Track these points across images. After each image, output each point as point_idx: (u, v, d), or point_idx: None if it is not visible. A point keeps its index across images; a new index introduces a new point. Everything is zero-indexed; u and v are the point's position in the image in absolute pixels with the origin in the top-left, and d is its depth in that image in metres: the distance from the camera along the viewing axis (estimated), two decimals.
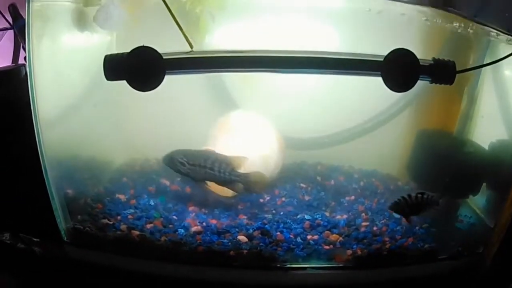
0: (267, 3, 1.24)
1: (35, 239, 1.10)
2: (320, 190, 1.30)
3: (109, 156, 1.38)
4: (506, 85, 1.25)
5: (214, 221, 1.11)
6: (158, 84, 0.91)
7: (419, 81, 0.94)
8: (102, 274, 1.04)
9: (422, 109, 1.38)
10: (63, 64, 1.15)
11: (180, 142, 1.24)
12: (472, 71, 1.26)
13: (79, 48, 1.20)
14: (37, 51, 1.03)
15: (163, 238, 1.05)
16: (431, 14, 1.19)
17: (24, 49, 1.07)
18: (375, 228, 1.12)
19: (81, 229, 1.08)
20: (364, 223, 1.13)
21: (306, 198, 1.26)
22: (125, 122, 1.37)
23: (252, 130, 1.27)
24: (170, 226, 1.09)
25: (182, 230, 1.07)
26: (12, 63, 1.43)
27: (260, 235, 1.06)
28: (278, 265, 1.03)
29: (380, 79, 0.91)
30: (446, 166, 1.23)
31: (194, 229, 1.07)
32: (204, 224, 1.09)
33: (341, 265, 1.05)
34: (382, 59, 0.93)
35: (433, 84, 0.96)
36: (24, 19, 1.02)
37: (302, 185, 1.33)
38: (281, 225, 1.10)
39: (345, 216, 1.15)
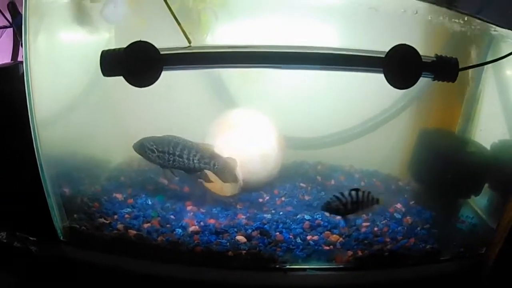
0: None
1: (31, 238, 1.09)
2: (320, 190, 1.28)
3: (107, 155, 1.36)
4: (509, 84, 1.25)
5: (212, 221, 1.09)
6: (155, 80, 0.89)
7: (421, 79, 0.93)
8: (99, 273, 1.02)
9: (424, 109, 1.37)
10: (61, 61, 1.14)
11: None
12: (474, 70, 1.26)
13: (77, 44, 1.19)
14: (33, 48, 1.01)
15: (160, 238, 1.04)
16: (433, 11, 1.19)
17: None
18: (376, 229, 1.10)
19: (77, 228, 1.06)
20: (364, 224, 1.11)
21: (306, 198, 1.24)
22: (123, 120, 1.35)
23: (252, 128, 1.25)
24: (168, 225, 1.07)
25: (180, 230, 1.05)
26: (11, 60, 1.42)
27: (259, 235, 1.05)
28: (277, 266, 1.01)
29: (381, 77, 0.90)
30: (447, 166, 1.22)
31: (192, 229, 1.06)
32: (202, 224, 1.07)
33: (341, 266, 1.03)
34: (383, 55, 0.93)
35: (436, 81, 0.95)
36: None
37: (302, 184, 1.31)
38: (281, 225, 1.08)
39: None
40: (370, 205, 1.01)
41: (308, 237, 1.06)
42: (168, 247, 1.03)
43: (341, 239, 1.06)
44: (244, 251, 1.01)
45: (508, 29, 1.14)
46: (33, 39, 1.01)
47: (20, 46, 1.38)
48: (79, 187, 1.17)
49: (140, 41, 0.88)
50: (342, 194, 1.00)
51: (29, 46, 1.00)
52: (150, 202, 1.15)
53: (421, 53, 0.92)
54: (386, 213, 1.16)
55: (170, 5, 1.09)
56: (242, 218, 1.11)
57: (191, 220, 1.09)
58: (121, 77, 0.87)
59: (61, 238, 1.07)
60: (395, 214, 1.17)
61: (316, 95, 1.29)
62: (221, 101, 1.34)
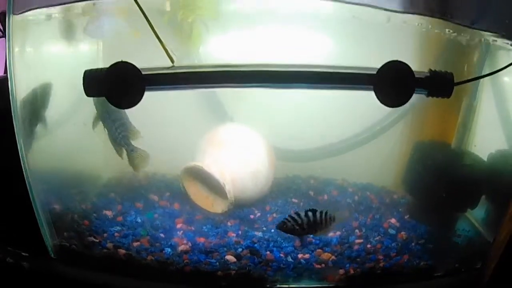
0: (261, 12, 1.20)
1: (24, 254, 1.09)
2: (313, 206, 1.19)
3: (96, 170, 1.34)
4: (506, 94, 1.21)
5: (202, 240, 1.07)
6: (138, 101, 0.87)
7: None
8: None
9: (419, 120, 1.33)
10: (47, 76, 1.13)
11: (169, 155, 1.22)
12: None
13: (62, 60, 1.17)
14: (19, 64, 1.00)
15: (149, 257, 1.02)
16: (426, 21, 1.15)
17: None
18: (369, 246, 1.08)
19: (67, 247, 1.06)
20: (357, 241, 1.09)
21: None
22: None
23: (243, 144, 1.23)
24: (157, 244, 1.06)
25: (169, 249, 1.04)
26: (4, 70, 1.41)
27: (249, 254, 1.03)
28: (268, 286, 1.00)
29: None
30: (443, 179, 1.19)
31: (181, 248, 1.04)
32: (191, 243, 1.06)
33: (333, 285, 1.01)
34: (374, 72, 0.90)
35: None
36: None
37: (294, 200, 1.28)
38: (271, 243, 1.06)
39: (338, 233, 1.11)
40: (328, 225, 1.01)
41: (299, 256, 1.04)
42: (158, 266, 1.01)
43: (333, 257, 1.04)
44: (234, 271, 0.99)
45: (505, 38, 1.11)
46: (18, 54, 1.00)
47: None
48: (69, 204, 1.16)
49: (121, 61, 0.86)
50: (298, 214, 1.00)
51: (14, 62, 0.99)
52: (139, 220, 1.13)
53: (414, 65, 0.90)
54: (380, 229, 1.14)
55: (160, 17, 1.08)
56: (232, 236, 1.09)
57: (181, 239, 1.07)
58: None
59: (52, 255, 1.07)
60: (389, 230, 1.14)
61: (309, 107, 1.26)
62: (212, 115, 1.32)
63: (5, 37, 1.33)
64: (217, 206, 1.19)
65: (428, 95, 0.93)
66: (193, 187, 1.23)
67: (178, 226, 1.13)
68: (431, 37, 1.22)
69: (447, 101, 1.04)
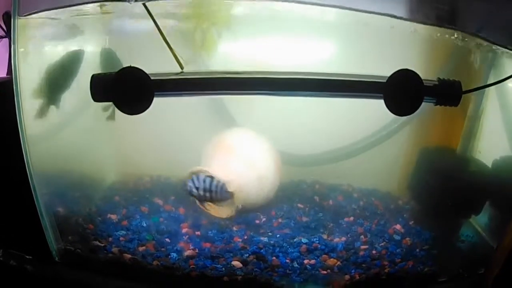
0: (267, 18, 1.20)
1: (27, 257, 1.08)
2: (318, 211, 1.26)
3: (101, 174, 1.34)
4: (511, 100, 1.22)
5: (208, 245, 1.07)
6: (147, 107, 0.87)
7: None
8: None
9: (424, 126, 1.33)
10: (52, 79, 1.12)
11: (175, 159, 1.22)
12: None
13: (68, 62, 1.16)
14: (24, 66, 0.99)
15: (155, 262, 1.02)
16: (433, 28, 1.15)
17: None
18: (374, 252, 1.08)
19: (72, 250, 1.05)
20: (363, 246, 1.09)
21: (304, 219, 1.22)
22: (118, 138, 1.33)
23: (249, 149, 1.22)
24: (163, 249, 1.05)
25: (175, 254, 1.03)
26: (7, 71, 1.40)
27: (255, 260, 1.03)
28: None
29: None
30: (448, 185, 1.19)
31: (187, 253, 1.04)
32: (197, 248, 1.05)
33: None
34: (384, 80, 0.90)
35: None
36: None
37: (299, 205, 1.28)
38: (277, 249, 1.06)
39: (343, 239, 1.11)
40: (220, 197, 1.10)
41: (305, 261, 1.04)
42: (164, 271, 1.01)
43: (338, 263, 1.04)
44: (240, 276, 0.99)
45: (509, 49, 1.11)
46: (23, 57, 0.99)
47: None
48: (73, 208, 1.15)
49: (130, 66, 0.86)
50: (197, 178, 1.10)
51: (19, 65, 0.98)
52: (145, 224, 1.13)
53: (421, 73, 0.90)
54: (385, 235, 1.14)
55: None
56: (238, 241, 1.09)
57: (187, 244, 1.07)
58: None
59: (56, 259, 1.06)
60: (394, 236, 1.14)
61: (315, 112, 1.25)
62: (217, 119, 1.31)
63: (8, 37, 1.33)
64: (222, 211, 1.18)
65: (436, 103, 0.93)
66: None
67: (184, 230, 1.13)
68: (437, 45, 1.22)
69: (452, 108, 1.04)
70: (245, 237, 1.11)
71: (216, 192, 1.11)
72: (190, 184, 1.12)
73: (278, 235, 1.12)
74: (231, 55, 1.19)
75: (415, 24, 1.11)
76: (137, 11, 1.01)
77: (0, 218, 1.06)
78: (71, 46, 1.18)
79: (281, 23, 1.15)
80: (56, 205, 1.09)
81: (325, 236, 1.12)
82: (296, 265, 1.03)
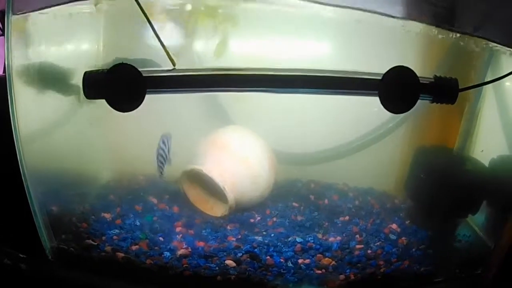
0: (263, 15, 1.19)
1: (21, 255, 1.08)
2: (313, 210, 1.25)
3: (96, 172, 1.33)
4: (508, 99, 1.20)
5: (201, 244, 1.06)
6: (139, 104, 0.86)
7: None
8: None
9: (421, 125, 1.32)
10: (45, 77, 1.12)
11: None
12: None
13: (62, 60, 1.15)
14: (17, 63, 0.99)
15: (148, 261, 1.01)
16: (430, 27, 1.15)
17: None
18: (369, 251, 1.07)
19: (65, 249, 1.04)
20: (358, 246, 1.08)
21: (299, 218, 1.21)
22: (112, 136, 1.32)
23: (243, 146, 1.21)
24: (156, 248, 1.04)
25: (168, 253, 1.02)
26: (3, 68, 1.40)
27: (249, 259, 1.02)
28: None
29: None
30: (445, 184, 1.18)
31: (180, 252, 1.03)
32: (191, 247, 1.04)
33: None
34: (379, 77, 0.89)
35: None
36: None
37: (294, 204, 1.27)
38: (271, 248, 1.05)
39: (338, 238, 1.11)
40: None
41: (300, 261, 1.03)
42: (157, 270, 1.00)
43: (333, 262, 1.03)
44: (233, 276, 0.98)
45: (506, 46, 1.10)
46: (17, 54, 0.99)
47: None
48: (67, 206, 1.14)
49: (122, 63, 0.85)
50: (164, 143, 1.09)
51: (12, 62, 0.98)
52: (138, 223, 1.12)
53: (417, 71, 0.89)
54: (381, 234, 1.13)
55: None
56: (232, 240, 1.08)
57: (180, 242, 1.06)
58: None
59: (50, 257, 1.06)
60: (390, 235, 1.13)
61: (310, 110, 1.24)
62: (213, 117, 1.30)
63: (4, 35, 1.33)
64: (217, 210, 1.17)
65: (432, 101, 0.92)
66: (193, 190, 1.22)
67: (177, 229, 1.12)
68: (435, 43, 1.22)
69: (449, 106, 1.03)
70: (239, 236, 1.10)
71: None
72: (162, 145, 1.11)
73: (272, 234, 1.11)
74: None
75: (412, 22, 1.12)
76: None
77: None
78: (66, 43, 1.19)
79: (276, 21, 1.15)
80: (50, 204, 1.08)
81: (320, 236, 1.11)
82: (290, 265, 1.01)
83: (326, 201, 1.31)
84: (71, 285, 1.03)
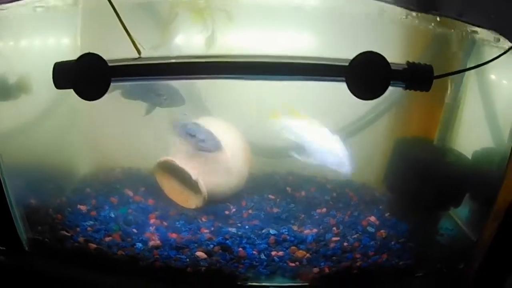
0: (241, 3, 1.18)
1: (0, 248, 1.08)
2: (289, 202, 1.23)
3: (73, 165, 1.33)
4: (492, 90, 1.17)
5: (174, 235, 1.05)
6: (104, 92, 0.86)
7: (394, 87, 0.88)
8: (63, 285, 1.00)
9: (401, 115, 1.30)
10: (22, 70, 1.12)
11: (144, 149, 1.21)
12: (454, 75, 1.20)
13: (37, 54, 1.15)
14: None
15: (120, 252, 1.01)
16: (410, 13, 1.13)
17: None
18: (345, 244, 1.04)
19: (40, 240, 1.05)
20: (334, 238, 1.06)
21: (275, 210, 1.19)
22: (89, 130, 1.32)
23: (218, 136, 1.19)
24: (129, 239, 1.04)
25: (140, 244, 1.02)
26: None
27: (220, 250, 1.00)
28: (239, 283, 0.97)
29: None
30: (426, 176, 1.16)
31: (152, 243, 1.02)
32: (163, 238, 1.04)
33: (306, 284, 0.99)
34: (347, 64, 0.88)
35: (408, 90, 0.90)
36: None
37: (271, 196, 1.25)
38: (244, 240, 1.03)
39: (314, 231, 1.08)
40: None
41: (273, 253, 1.01)
42: (128, 261, 1.00)
43: (307, 255, 1.01)
44: (204, 268, 0.97)
45: (491, 29, 1.08)
46: None
47: None
48: (44, 199, 1.14)
49: (89, 53, 0.85)
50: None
51: None
52: (113, 215, 1.11)
53: (398, 59, 0.87)
54: (358, 227, 1.11)
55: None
56: (205, 232, 1.07)
57: (152, 234, 1.05)
58: None
59: (27, 249, 1.06)
60: (368, 228, 1.11)
61: (287, 100, 1.22)
62: (188, 108, 1.29)
63: None
64: (191, 202, 1.16)
65: (406, 88, 0.89)
66: (168, 182, 1.21)
67: (151, 221, 1.11)
68: (417, 31, 1.19)
69: (430, 97, 1.01)
70: (212, 228, 1.08)
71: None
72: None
73: (246, 226, 1.10)
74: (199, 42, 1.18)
75: (396, 9, 1.09)
76: None
77: None
78: (42, 38, 1.19)
79: (259, 12, 1.14)
80: (26, 196, 1.09)
81: (295, 228, 1.09)
82: (263, 257, 1.00)
83: (303, 193, 1.29)
84: (48, 276, 1.03)
